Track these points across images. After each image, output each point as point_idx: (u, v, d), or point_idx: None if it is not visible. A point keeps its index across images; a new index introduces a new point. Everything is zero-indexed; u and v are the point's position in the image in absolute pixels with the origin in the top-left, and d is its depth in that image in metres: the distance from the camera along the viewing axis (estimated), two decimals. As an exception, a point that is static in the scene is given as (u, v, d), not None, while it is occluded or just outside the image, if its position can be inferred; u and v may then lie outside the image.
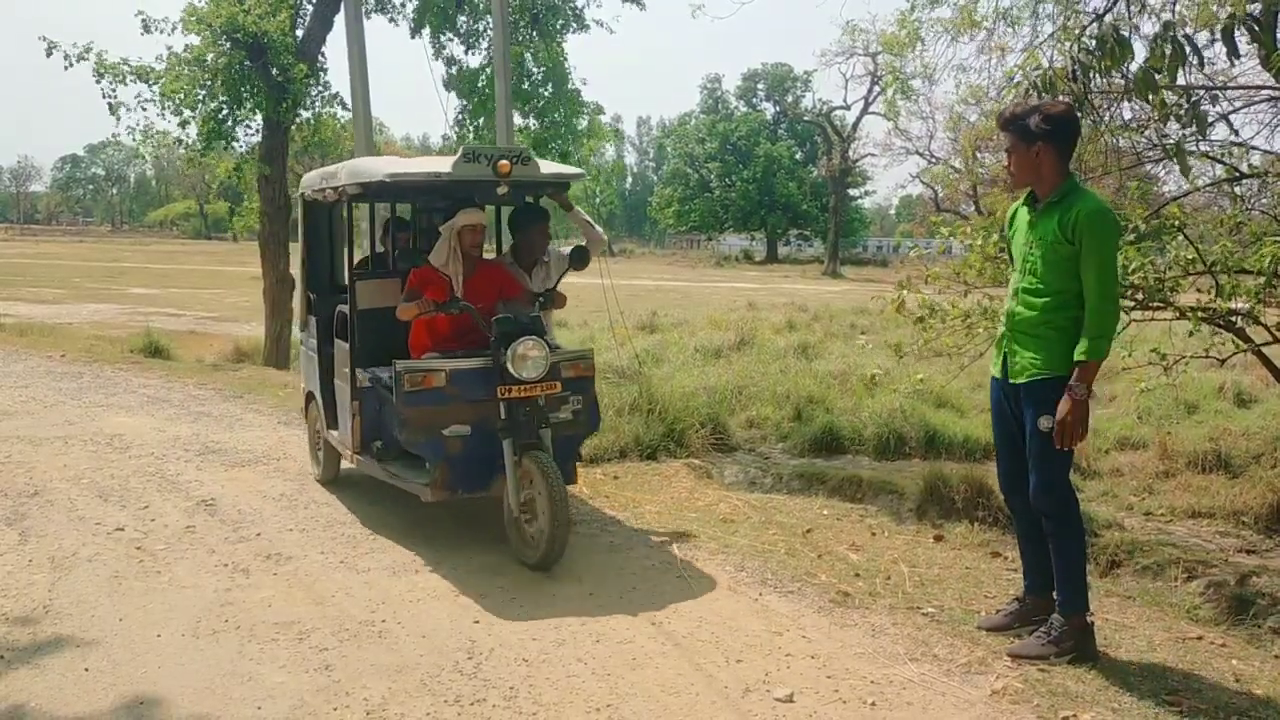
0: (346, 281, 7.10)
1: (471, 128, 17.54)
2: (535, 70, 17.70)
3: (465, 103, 17.82)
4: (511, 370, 5.83)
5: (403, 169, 6.11)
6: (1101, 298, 4.56)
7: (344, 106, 16.41)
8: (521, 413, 5.88)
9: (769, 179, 76.89)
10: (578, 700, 4.30)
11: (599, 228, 7.26)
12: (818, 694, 4.35)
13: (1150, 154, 8.15)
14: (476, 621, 5.12)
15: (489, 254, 7.59)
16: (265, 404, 11.27)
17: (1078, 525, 4.83)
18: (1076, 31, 6.15)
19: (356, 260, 7.50)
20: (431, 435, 5.89)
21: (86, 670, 4.53)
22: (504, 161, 5.95)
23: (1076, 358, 4.57)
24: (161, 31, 15.01)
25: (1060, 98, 5.56)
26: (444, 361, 6.03)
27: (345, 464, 7.41)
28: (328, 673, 4.54)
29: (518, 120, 16.18)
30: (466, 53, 17.99)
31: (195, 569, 5.85)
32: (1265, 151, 7.57)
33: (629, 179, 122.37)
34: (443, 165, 6.12)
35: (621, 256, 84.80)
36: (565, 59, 18.09)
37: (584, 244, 6.77)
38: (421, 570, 5.86)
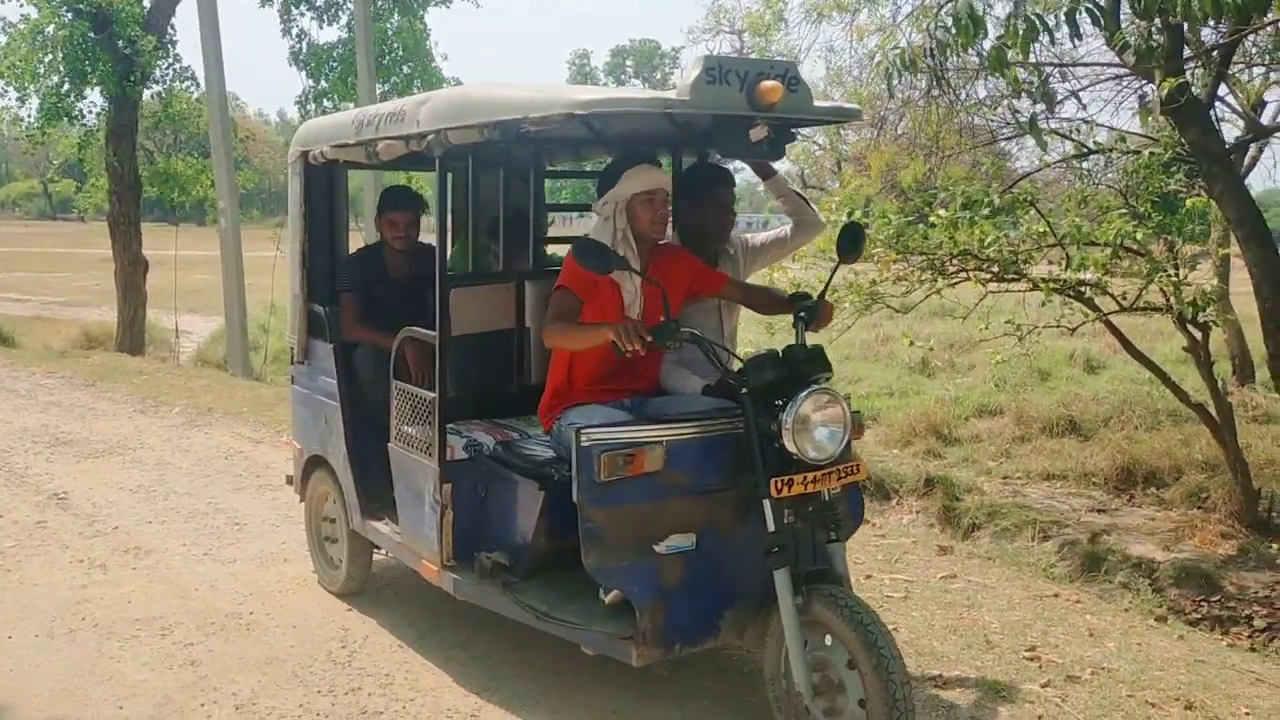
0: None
1: (318, 110, 17.13)
2: (395, 45, 17.37)
3: (314, 81, 17.39)
4: (792, 446, 3.46)
5: (595, 97, 3.51)
6: None
7: (196, 81, 15.83)
8: (803, 519, 3.56)
9: (637, 155, 77.04)
10: (456, 684, 4.26)
11: (815, 206, 4.90)
12: (693, 664, 4.40)
13: (1004, 131, 8.45)
14: (350, 609, 5.02)
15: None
16: (119, 392, 10.82)
17: None
18: (934, 10, 6.30)
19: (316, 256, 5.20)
20: (639, 555, 3.57)
21: (-70, 678, 4.29)
22: (771, 83, 3.42)
23: None
24: (-4, 1, 14.25)
25: (920, 75, 5.69)
26: (656, 428, 3.64)
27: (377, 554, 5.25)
28: (194, 668, 4.39)
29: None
30: (321, 28, 17.56)
31: (48, 566, 5.58)
32: (1110, 128, 7.92)
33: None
34: (648, 90, 3.68)
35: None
36: (427, 34, 17.81)
37: (859, 224, 4.37)
38: (291, 559, 5.71)
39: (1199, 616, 5.95)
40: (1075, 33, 5.04)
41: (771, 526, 3.45)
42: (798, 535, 3.54)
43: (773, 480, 3.43)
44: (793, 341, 3.76)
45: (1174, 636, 5.08)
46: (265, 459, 7.97)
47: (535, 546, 4.03)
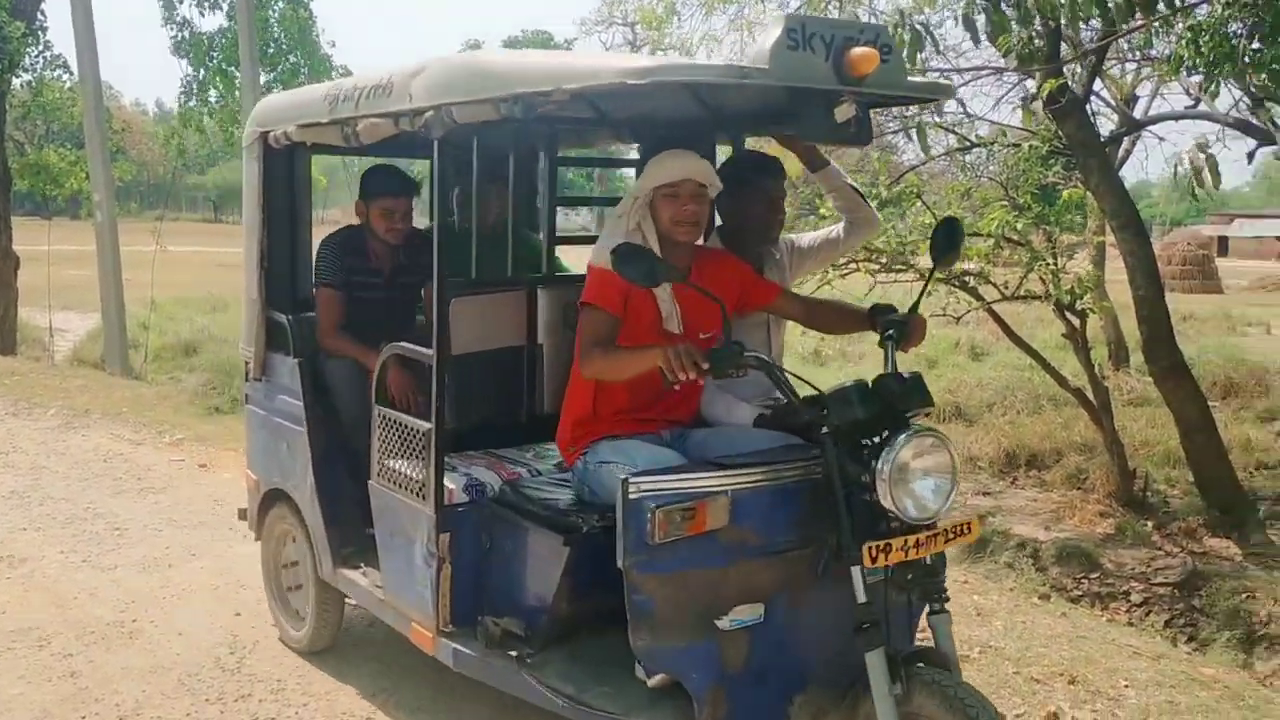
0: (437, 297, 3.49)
1: (200, 99, 16.66)
2: (280, 33, 16.98)
3: (196, 71, 16.91)
4: (889, 502, 2.81)
5: (652, 64, 2.80)
6: None
7: (68, 69, 15.24)
8: (899, 587, 2.94)
9: (530, 148, 76.66)
10: (351, 687, 4.18)
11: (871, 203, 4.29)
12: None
13: (890, 125, 8.62)
14: (238, 614, 4.89)
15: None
16: (-11, 394, 10.35)
17: None
18: (822, 6, 6.40)
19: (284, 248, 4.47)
20: (698, 633, 2.91)
21: None
22: (863, 50, 2.78)
23: None
24: None
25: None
26: (718, 475, 2.94)
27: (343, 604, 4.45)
28: (74, 680, 4.23)
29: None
30: (202, 15, 17.03)
31: (-88, 579, 5.31)
32: (992, 122, 8.15)
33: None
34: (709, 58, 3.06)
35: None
36: (313, 21, 17.45)
37: (956, 221, 3.52)
38: (176, 564, 5.53)
39: (1080, 593, 6.18)
40: (974, 37, 5.18)
41: (862, 597, 2.81)
42: (890, 605, 2.93)
43: (866, 547, 2.76)
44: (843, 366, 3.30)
45: (1057, 614, 5.26)
46: (146, 461, 7.71)
47: (556, 611, 3.32)
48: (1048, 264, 6.92)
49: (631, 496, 2.82)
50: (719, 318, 3.11)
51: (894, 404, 2.94)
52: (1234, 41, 4.90)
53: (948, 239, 3.32)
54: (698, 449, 3.35)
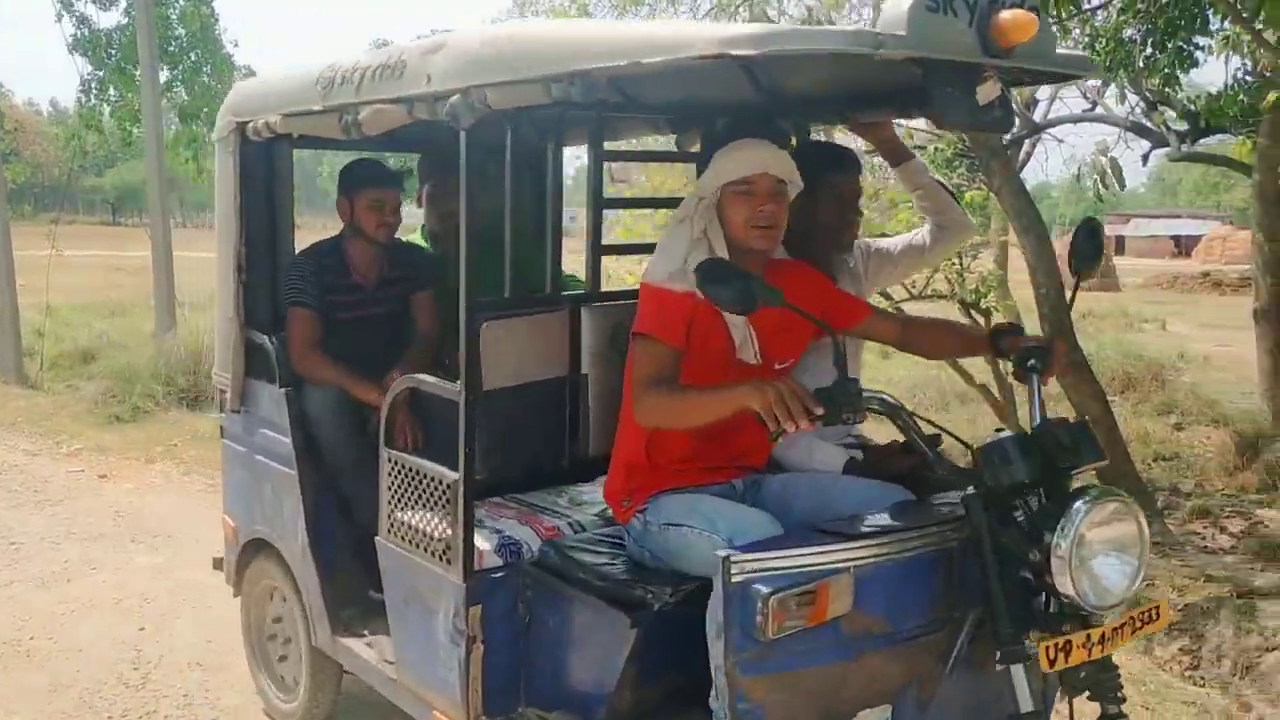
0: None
1: (100, 98, 16.18)
2: (181, 31, 16.56)
3: (95, 69, 16.41)
4: (1068, 588, 2.23)
5: (762, 31, 2.12)
6: None
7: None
8: (1070, 688, 2.33)
9: (441, 149, 76.05)
10: (260, 700, 4.07)
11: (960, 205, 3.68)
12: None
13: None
14: (142, 629, 4.76)
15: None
16: (-127, 405, 9.91)
17: None
18: (732, 10, 6.45)
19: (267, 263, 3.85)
20: None
21: None
22: (1015, 14, 2.20)
23: None
24: None
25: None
26: (836, 548, 2.33)
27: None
28: (-34, 703, 4.08)
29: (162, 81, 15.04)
30: (103, 10, 16.52)
31: None
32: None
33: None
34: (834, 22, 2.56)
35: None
36: (216, 19, 17.07)
37: (1096, 222, 2.93)
38: (75, 578, 5.37)
39: (988, 586, 6.30)
40: None
41: (1027, 705, 2.26)
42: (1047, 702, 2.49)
43: (1044, 646, 2.18)
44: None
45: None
46: (43, 472, 7.46)
47: (618, 702, 2.65)
48: (953, 264, 7.07)
49: (735, 579, 2.21)
50: (798, 344, 2.69)
51: (1057, 459, 2.36)
52: (1129, 47, 5.06)
53: (1090, 241, 2.79)
54: (777, 502, 2.75)
